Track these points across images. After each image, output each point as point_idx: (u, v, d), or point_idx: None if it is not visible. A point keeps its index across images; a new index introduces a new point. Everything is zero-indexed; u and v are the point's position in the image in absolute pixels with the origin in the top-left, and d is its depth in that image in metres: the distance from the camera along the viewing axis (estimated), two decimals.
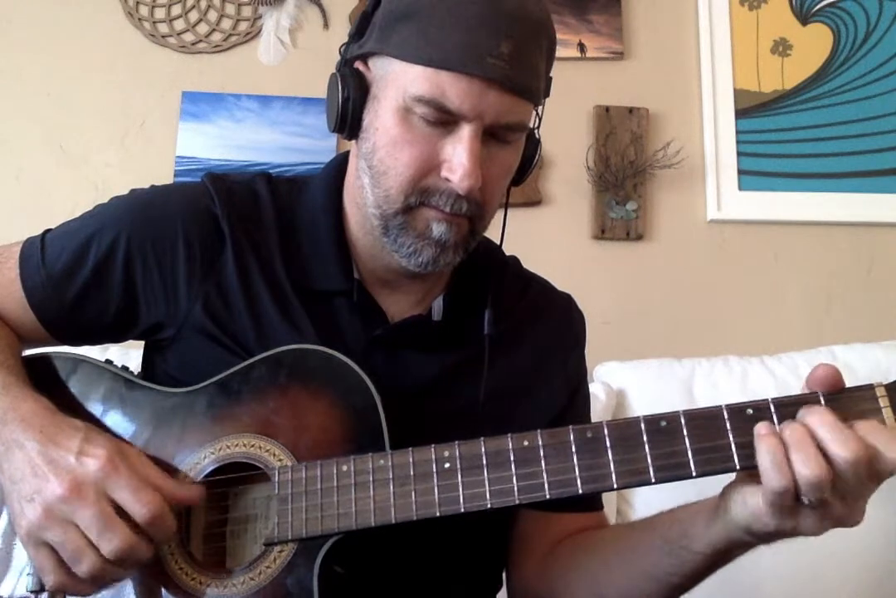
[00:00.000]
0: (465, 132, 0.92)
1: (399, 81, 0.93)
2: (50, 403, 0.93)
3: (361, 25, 0.98)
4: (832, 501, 0.76)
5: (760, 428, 0.77)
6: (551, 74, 1.01)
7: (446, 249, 0.97)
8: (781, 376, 1.76)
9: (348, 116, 0.98)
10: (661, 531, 0.92)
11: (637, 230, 2.21)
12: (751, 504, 0.80)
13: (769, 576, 1.57)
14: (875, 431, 0.75)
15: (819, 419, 0.76)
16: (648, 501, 1.68)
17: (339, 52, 1.03)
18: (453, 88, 0.90)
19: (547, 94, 1.02)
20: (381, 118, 0.95)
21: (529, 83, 0.94)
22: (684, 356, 1.83)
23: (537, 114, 1.03)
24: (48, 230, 1.08)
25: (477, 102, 0.90)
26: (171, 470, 0.94)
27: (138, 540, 0.85)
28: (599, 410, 1.67)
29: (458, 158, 0.92)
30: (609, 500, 1.68)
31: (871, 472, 0.75)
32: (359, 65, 0.99)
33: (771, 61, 2.30)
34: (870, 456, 0.74)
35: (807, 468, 0.74)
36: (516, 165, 1.02)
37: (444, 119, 0.92)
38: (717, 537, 0.85)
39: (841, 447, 0.74)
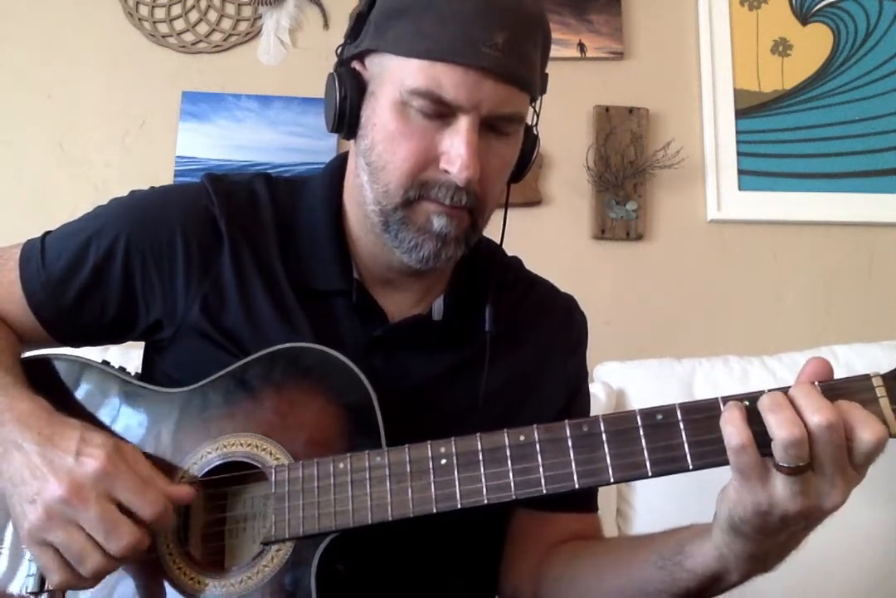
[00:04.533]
0: (463, 124, 0.92)
1: (395, 76, 0.93)
2: (47, 402, 0.93)
3: (357, 25, 0.98)
4: (809, 472, 0.74)
5: (729, 405, 0.78)
6: (548, 72, 1.01)
7: (447, 243, 0.96)
8: (781, 376, 1.76)
9: (346, 116, 0.98)
10: (659, 545, 0.91)
11: (637, 230, 2.21)
12: (728, 490, 0.79)
13: (768, 576, 1.57)
14: (853, 408, 0.75)
15: (798, 390, 0.76)
16: (648, 501, 1.68)
17: (336, 53, 1.03)
18: (448, 79, 0.90)
19: (544, 91, 1.02)
20: (379, 114, 0.95)
21: (524, 73, 0.94)
22: (684, 356, 1.82)
23: (534, 110, 1.03)
24: (48, 232, 1.08)
25: (472, 92, 0.90)
26: (169, 470, 0.94)
27: (144, 537, 0.86)
28: (599, 410, 1.67)
29: (455, 150, 0.92)
30: (609, 500, 1.68)
31: (849, 447, 0.74)
32: (355, 64, 0.99)
33: (771, 61, 2.30)
34: (846, 427, 0.74)
35: (782, 429, 0.73)
36: (515, 158, 1.01)
37: (441, 111, 0.92)
38: (709, 554, 0.84)
39: (815, 413, 0.73)
